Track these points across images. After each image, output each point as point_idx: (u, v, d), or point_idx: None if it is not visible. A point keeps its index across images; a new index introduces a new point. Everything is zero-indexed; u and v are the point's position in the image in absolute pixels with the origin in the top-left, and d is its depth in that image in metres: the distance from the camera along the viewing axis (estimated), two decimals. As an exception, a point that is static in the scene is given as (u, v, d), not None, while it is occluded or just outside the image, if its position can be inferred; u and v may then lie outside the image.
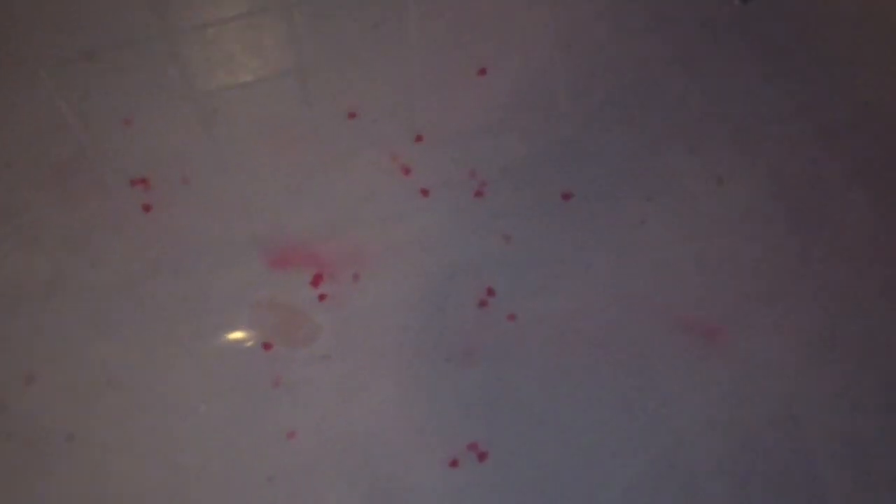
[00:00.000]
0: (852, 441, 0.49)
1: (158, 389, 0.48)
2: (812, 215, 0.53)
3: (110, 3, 0.56)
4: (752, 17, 0.57)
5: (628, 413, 0.49)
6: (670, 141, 0.53)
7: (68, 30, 0.56)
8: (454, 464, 0.48)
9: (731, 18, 0.58)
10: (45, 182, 0.52)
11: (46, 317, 0.49)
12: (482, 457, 0.48)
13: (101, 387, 0.48)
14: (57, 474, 0.47)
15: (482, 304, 0.51)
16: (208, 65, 0.56)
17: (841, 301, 0.51)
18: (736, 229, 0.52)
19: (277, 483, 0.47)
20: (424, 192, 0.53)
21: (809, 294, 0.51)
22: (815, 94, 0.56)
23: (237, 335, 0.50)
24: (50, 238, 0.51)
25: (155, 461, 0.47)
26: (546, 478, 0.48)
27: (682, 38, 0.57)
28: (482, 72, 0.55)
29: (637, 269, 0.51)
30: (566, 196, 0.53)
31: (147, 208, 0.52)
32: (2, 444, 0.47)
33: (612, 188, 0.52)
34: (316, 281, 0.51)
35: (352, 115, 0.55)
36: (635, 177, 0.52)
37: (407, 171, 0.53)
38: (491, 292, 0.51)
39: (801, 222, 0.53)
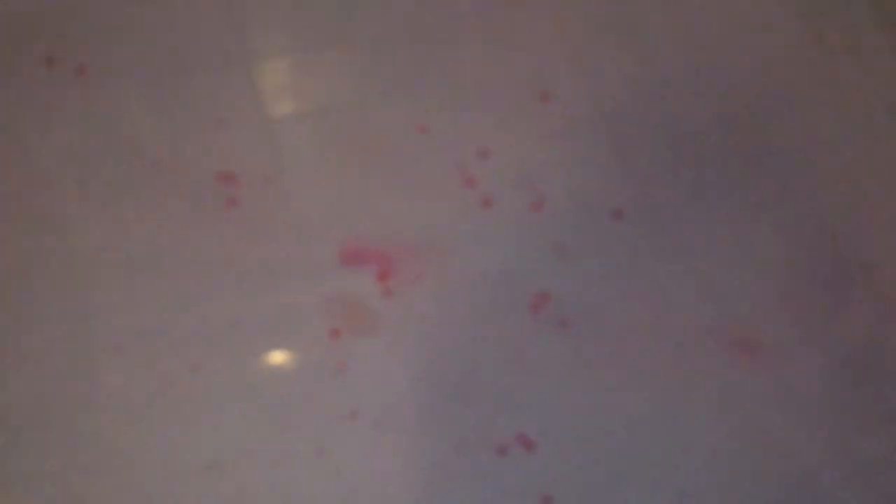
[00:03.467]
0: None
1: (234, 365, 0.53)
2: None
3: (191, 25, 0.62)
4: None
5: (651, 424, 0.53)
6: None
7: (156, 48, 0.61)
8: (502, 452, 0.52)
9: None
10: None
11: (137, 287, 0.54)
12: (529, 447, 0.52)
13: (183, 352, 0.53)
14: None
15: (535, 308, 0.55)
16: (289, 88, 0.61)
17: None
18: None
19: (326, 456, 0.51)
20: (486, 203, 0.58)
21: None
22: None
23: (306, 317, 0.55)
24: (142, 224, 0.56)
25: (229, 415, 0.51)
26: (588, 470, 0.51)
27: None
28: (545, 97, 0.60)
29: (680, 290, 0.56)
30: (617, 215, 0.57)
31: (234, 202, 0.57)
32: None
33: (662, 209, 0.57)
34: (382, 277, 0.56)
35: (421, 130, 0.60)
36: (688, 204, 0.56)
37: (471, 182, 0.58)
38: (545, 298, 0.55)
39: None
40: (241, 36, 0.62)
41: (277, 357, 0.54)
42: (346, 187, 0.58)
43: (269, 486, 0.50)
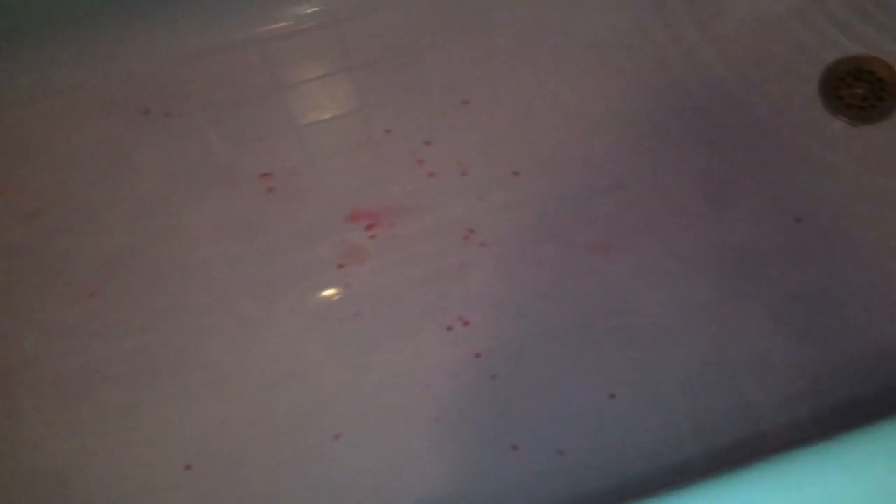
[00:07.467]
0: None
1: (280, 288, 0.85)
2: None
3: (237, 73, 0.95)
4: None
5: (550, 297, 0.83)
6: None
7: (217, 91, 0.94)
8: (450, 329, 0.83)
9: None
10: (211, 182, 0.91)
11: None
12: (466, 324, 0.83)
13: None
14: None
15: (466, 237, 0.86)
16: (306, 104, 0.94)
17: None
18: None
19: (347, 323, 0.83)
20: (431, 174, 0.89)
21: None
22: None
23: (323, 258, 0.87)
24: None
25: (286, 321, 0.83)
26: (506, 335, 0.82)
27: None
28: (465, 102, 0.92)
29: (556, 217, 0.86)
30: (516, 174, 0.88)
31: (271, 190, 0.90)
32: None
33: (548, 168, 0.88)
34: (370, 227, 0.88)
35: (387, 131, 0.92)
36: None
37: (421, 162, 0.90)
38: (472, 230, 0.87)
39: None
40: (272, 73, 0.95)
41: (305, 282, 0.86)
42: (344, 173, 0.91)
43: (306, 344, 0.82)
